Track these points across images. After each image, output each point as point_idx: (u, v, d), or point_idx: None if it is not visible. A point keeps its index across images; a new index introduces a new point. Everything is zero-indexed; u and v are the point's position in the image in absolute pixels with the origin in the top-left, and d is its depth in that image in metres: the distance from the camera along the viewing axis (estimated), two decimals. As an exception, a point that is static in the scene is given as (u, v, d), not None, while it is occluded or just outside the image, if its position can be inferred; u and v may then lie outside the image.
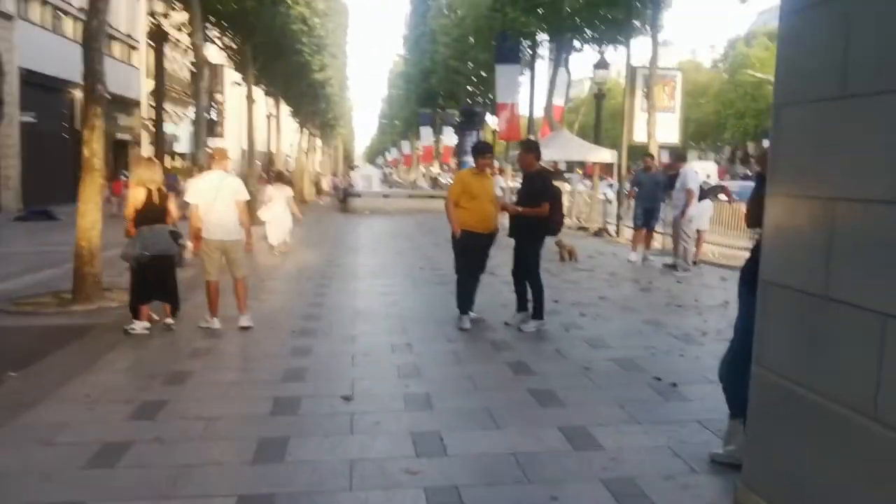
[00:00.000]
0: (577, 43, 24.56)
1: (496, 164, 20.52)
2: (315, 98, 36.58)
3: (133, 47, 38.82)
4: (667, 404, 5.23)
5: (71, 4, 30.17)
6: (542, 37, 26.41)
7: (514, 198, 8.97)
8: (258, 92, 29.44)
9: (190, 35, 16.01)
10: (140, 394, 5.42)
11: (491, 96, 33.03)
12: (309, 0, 24.78)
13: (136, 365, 6.33)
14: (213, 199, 7.52)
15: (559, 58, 25.47)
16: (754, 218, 3.93)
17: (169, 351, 6.82)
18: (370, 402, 5.26)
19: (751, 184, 29.26)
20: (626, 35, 21.06)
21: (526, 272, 7.81)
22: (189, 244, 7.92)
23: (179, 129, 40.57)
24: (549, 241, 9.50)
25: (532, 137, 20.51)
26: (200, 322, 7.76)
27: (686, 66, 55.16)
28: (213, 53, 29.19)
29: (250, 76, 23.47)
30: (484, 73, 34.83)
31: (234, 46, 23.55)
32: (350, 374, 5.98)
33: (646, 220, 13.58)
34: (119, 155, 36.43)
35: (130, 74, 37.94)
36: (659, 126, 18.56)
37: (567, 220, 16.03)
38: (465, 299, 7.90)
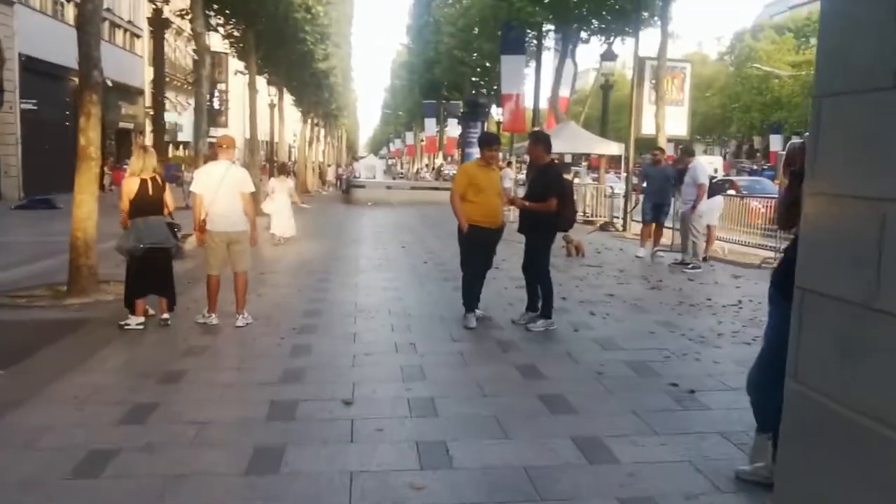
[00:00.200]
0: (583, 34, 24.24)
1: (503, 156, 20.27)
2: (318, 88, 36.26)
3: (136, 35, 38.54)
4: (685, 413, 4.96)
5: (72, -10, 29.86)
6: (548, 27, 26.10)
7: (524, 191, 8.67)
8: (261, 81, 29.13)
9: (191, 22, 15.70)
10: (131, 395, 5.16)
11: (496, 87, 32.70)
12: (312, -12, 24.46)
13: (128, 363, 6.07)
14: (216, 189, 7.24)
15: (565, 48, 25.15)
16: (787, 218, 3.66)
17: (163, 348, 6.56)
18: (372, 406, 5.00)
19: (759, 178, 29.08)
20: (633, 26, 20.71)
21: (534, 269, 7.53)
22: (192, 236, 7.66)
23: (183, 118, 40.29)
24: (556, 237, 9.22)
25: (537, 129, 20.18)
26: (197, 317, 7.51)
27: (692, 58, 54.60)
28: (217, 42, 28.90)
29: (253, 64, 23.15)
30: (488, 64, 34.49)
31: (237, 34, 23.26)
32: (351, 376, 5.72)
33: (655, 216, 13.28)
34: (122, 144, 36.19)
35: (133, 62, 37.68)
36: (667, 119, 18.24)
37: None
38: (470, 297, 7.62)
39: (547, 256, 7.59)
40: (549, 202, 7.24)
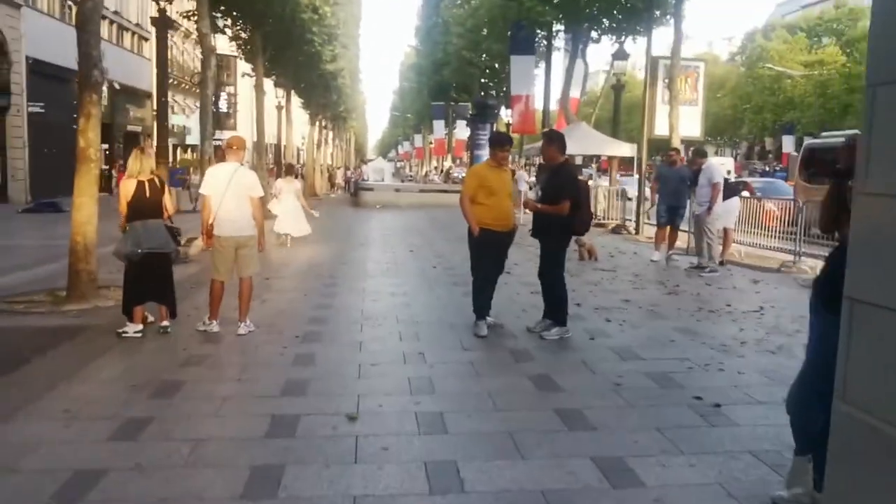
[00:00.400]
0: (594, 34, 23.89)
1: (512, 159, 19.96)
2: (326, 89, 36.06)
3: (144, 38, 38.42)
4: (712, 430, 4.64)
5: (80, -7, 29.69)
6: (558, 27, 25.77)
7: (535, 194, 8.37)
8: (269, 83, 28.93)
9: (196, 22, 15.49)
10: (124, 409, 4.88)
11: (505, 89, 32.40)
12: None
13: (123, 374, 5.79)
14: (223, 192, 6.96)
15: (576, 48, 24.81)
16: (830, 221, 3.34)
17: (161, 358, 6.28)
18: (377, 422, 4.70)
19: (773, 180, 28.65)
20: (646, 25, 20.37)
21: (548, 274, 7.22)
22: (198, 239, 7.39)
23: (191, 120, 40.14)
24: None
25: (551, 129, 19.87)
26: (198, 325, 7.24)
27: (702, 59, 54.28)
28: (224, 45, 28.74)
29: (260, 66, 22.94)
30: (497, 65, 34.22)
31: (244, 36, 23.07)
32: (356, 388, 5.43)
33: (670, 218, 12.95)
34: (130, 147, 36.09)
35: (141, 65, 37.55)
36: (681, 119, 17.87)
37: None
38: (481, 303, 7.31)
39: (561, 261, 7.29)
40: (563, 205, 6.93)
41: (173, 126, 42.02)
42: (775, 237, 14.24)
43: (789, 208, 14.46)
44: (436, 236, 17.52)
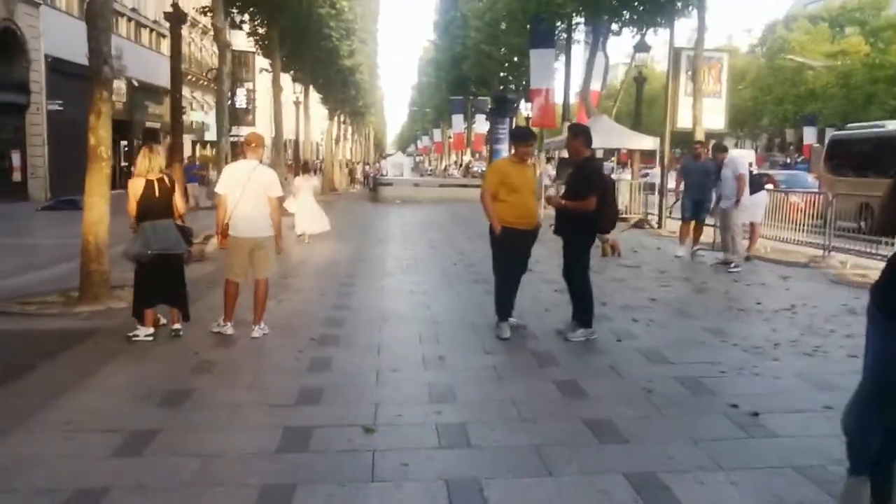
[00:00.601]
0: (614, 26, 23.47)
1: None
2: (345, 85, 35.90)
3: (162, 35, 38.35)
4: (751, 442, 4.34)
5: (97, -10, 29.67)
6: (578, 19, 25.37)
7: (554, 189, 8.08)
8: (286, 79, 28.78)
9: (211, 17, 15.31)
10: (130, 420, 4.66)
11: (524, 82, 32.02)
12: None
13: (131, 381, 5.57)
14: (240, 191, 6.72)
15: (596, 41, 24.40)
16: (891, 221, 3.02)
17: (172, 363, 6.06)
18: (396, 434, 4.44)
19: (796, 172, 28.06)
20: (667, 16, 19.95)
21: (573, 273, 6.94)
22: (214, 237, 7.18)
23: (209, 116, 40.11)
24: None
25: (576, 122, 19.53)
26: (212, 326, 7.02)
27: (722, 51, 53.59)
28: (242, 42, 28.61)
29: (277, 61, 22.77)
30: (517, 59, 33.79)
31: (261, 31, 22.91)
32: (374, 396, 5.18)
33: (695, 212, 12.61)
34: (149, 143, 36.08)
35: (160, 62, 37.40)
36: (704, 111, 17.47)
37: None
38: (504, 304, 7.03)
39: (586, 259, 7.00)
40: (589, 200, 6.64)
41: (192, 123, 42.08)
42: (801, 231, 13.86)
43: (815, 201, 14.07)
44: (456, 232, 17.25)
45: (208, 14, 18.26)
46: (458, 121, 54.46)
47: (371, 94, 57.10)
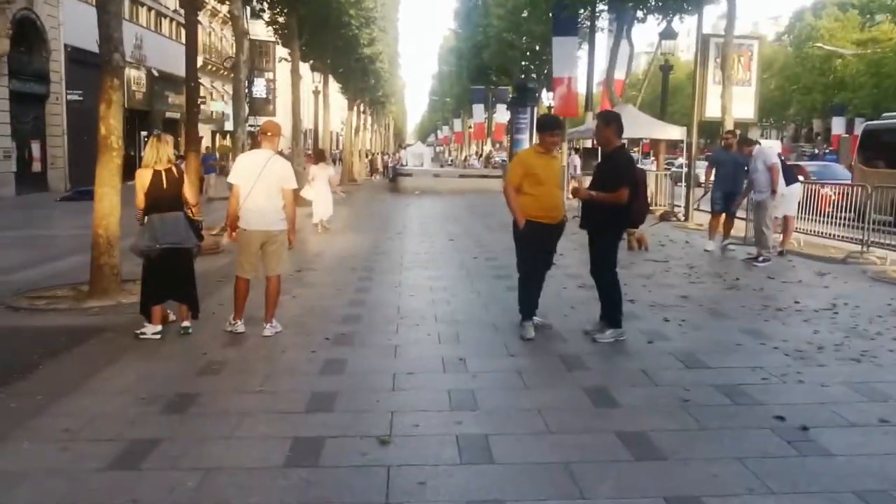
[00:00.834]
0: (639, 13, 22.92)
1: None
2: (364, 74, 35.57)
3: (182, 24, 38.19)
4: (802, 461, 3.95)
5: (117, -21, 29.51)
6: (602, 7, 24.85)
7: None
8: (306, 69, 28.48)
9: (229, 4, 15.02)
10: (130, 427, 4.37)
11: (546, 71, 31.52)
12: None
13: (135, 384, 5.26)
14: (253, 182, 6.39)
15: (620, 28, 23.86)
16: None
17: (179, 363, 5.76)
18: (413, 447, 4.11)
19: (828, 163, 27.32)
20: (694, 3, 19.38)
21: (601, 271, 6.56)
22: (225, 233, 6.88)
23: (230, 106, 39.93)
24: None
25: (606, 110, 19.06)
26: (225, 325, 6.71)
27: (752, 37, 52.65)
28: (263, 31, 28.34)
29: (296, 50, 22.46)
30: (538, 47, 33.26)
31: (280, 20, 22.62)
32: (389, 403, 4.84)
33: (725, 205, 12.14)
34: (169, 133, 36.01)
35: (180, 52, 37.22)
36: (734, 100, 16.92)
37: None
38: (528, 302, 6.66)
39: (614, 256, 6.61)
40: (621, 193, 6.24)
41: (212, 112, 41.95)
42: (835, 224, 13.33)
43: (850, 193, 13.52)
44: (476, 224, 16.88)
45: (226, 2, 17.96)
46: (478, 110, 54.01)
47: (391, 83, 56.68)
